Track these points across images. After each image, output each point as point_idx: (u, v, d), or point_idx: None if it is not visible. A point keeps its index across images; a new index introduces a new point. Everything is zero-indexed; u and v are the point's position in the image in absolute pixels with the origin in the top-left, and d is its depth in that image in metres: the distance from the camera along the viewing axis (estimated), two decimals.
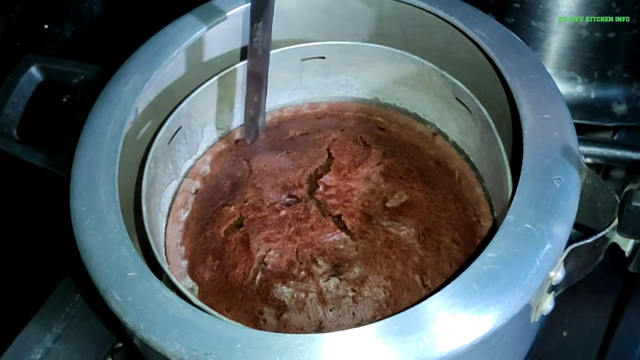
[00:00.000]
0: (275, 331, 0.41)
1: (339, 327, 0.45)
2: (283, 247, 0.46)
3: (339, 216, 0.47)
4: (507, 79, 0.46)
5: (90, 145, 0.46)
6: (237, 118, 0.56)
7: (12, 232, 0.67)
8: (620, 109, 0.62)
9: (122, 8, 0.79)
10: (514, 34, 0.49)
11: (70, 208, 0.44)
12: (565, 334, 0.56)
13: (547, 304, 0.44)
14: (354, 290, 0.45)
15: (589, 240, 0.42)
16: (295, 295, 0.45)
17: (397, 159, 0.50)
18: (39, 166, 0.54)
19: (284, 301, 0.45)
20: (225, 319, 0.39)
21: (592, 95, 0.62)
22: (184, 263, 0.49)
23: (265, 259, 0.46)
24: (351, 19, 0.55)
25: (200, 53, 0.52)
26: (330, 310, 0.45)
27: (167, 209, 0.52)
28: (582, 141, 0.48)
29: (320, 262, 0.46)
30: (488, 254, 0.39)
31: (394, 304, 0.45)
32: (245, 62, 0.53)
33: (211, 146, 0.55)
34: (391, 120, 0.56)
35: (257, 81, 0.48)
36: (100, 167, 0.44)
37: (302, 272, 0.46)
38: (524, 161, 0.42)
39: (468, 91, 0.50)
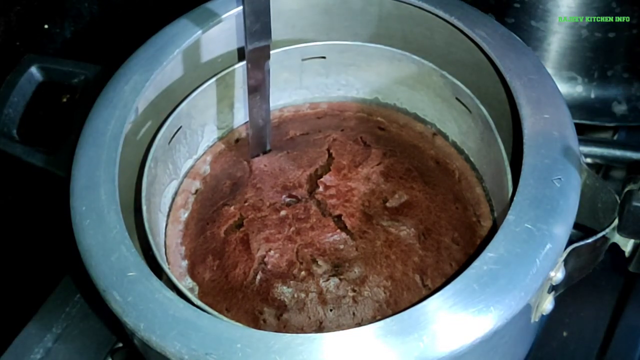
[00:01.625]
0: (276, 331, 0.41)
1: (339, 327, 0.45)
2: (283, 247, 0.46)
3: (339, 216, 0.47)
4: (507, 79, 0.46)
5: (90, 145, 0.46)
6: (238, 118, 0.56)
7: (12, 232, 0.67)
8: (620, 109, 0.62)
9: (122, 8, 0.79)
10: (514, 34, 0.49)
11: (70, 208, 0.43)
12: (565, 334, 0.56)
13: (547, 304, 0.44)
14: (354, 290, 0.45)
15: (589, 240, 0.42)
16: (295, 295, 0.45)
17: (397, 159, 0.50)
18: (39, 166, 0.54)
19: (284, 301, 0.45)
20: (225, 319, 0.39)
21: (592, 95, 0.62)
22: (184, 263, 0.49)
23: (266, 259, 0.46)
24: (351, 19, 0.55)
25: (200, 53, 0.52)
26: (331, 310, 0.45)
27: (167, 209, 0.52)
28: (582, 141, 0.48)
29: (320, 262, 0.46)
30: (488, 254, 0.39)
31: (394, 304, 0.45)
32: (245, 62, 0.53)
33: (211, 146, 0.55)
34: (391, 120, 0.56)
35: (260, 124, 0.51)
36: (100, 167, 0.44)
37: (302, 272, 0.46)
38: (524, 161, 0.42)
39: (468, 91, 0.50)
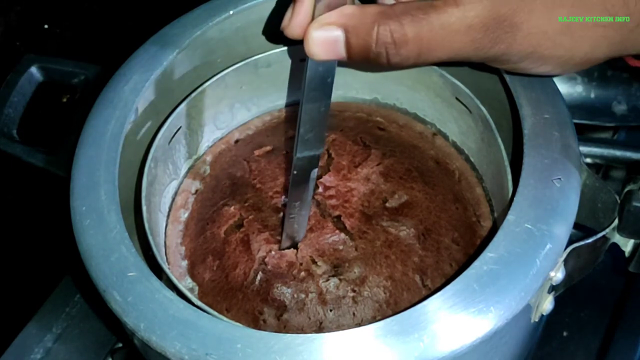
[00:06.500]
0: (276, 331, 0.41)
1: (339, 327, 0.45)
2: None
3: (339, 217, 0.47)
4: (507, 79, 0.46)
5: (90, 145, 0.46)
6: (237, 118, 0.56)
7: (12, 232, 0.67)
8: (620, 109, 0.62)
9: (122, 8, 0.79)
10: None
11: (70, 208, 0.43)
12: (565, 334, 0.56)
13: (547, 304, 0.44)
14: (353, 291, 0.45)
15: (589, 240, 0.42)
16: (295, 296, 0.45)
17: (397, 159, 0.50)
18: (39, 166, 0.54)
19: (284, 301, 0.45)
20: (225, 319, 0.39)
21: (592, 95, 0.62)
22: (184, 263, 0.49)
23: (266, 260, 0.46)
24: None
25: (200, 53, 0.52)
26: (330, 310, 0.45)
27: (167, 209, 0.52)
28: (582, 141, 0.48)
29: (320, 263, 0.46)
30: (488, 254, 0.39)
31: (394, 304, 0.45)
32: (245, 62, 0.53)
33: (211, 146, 0.55)
34: (391, 120, 0.55)
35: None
36: (100, 167, 0.44)
37: (302, 273, 0.46)
38: (524, 161, 0.42)
39: (468, 91, 0.50)
